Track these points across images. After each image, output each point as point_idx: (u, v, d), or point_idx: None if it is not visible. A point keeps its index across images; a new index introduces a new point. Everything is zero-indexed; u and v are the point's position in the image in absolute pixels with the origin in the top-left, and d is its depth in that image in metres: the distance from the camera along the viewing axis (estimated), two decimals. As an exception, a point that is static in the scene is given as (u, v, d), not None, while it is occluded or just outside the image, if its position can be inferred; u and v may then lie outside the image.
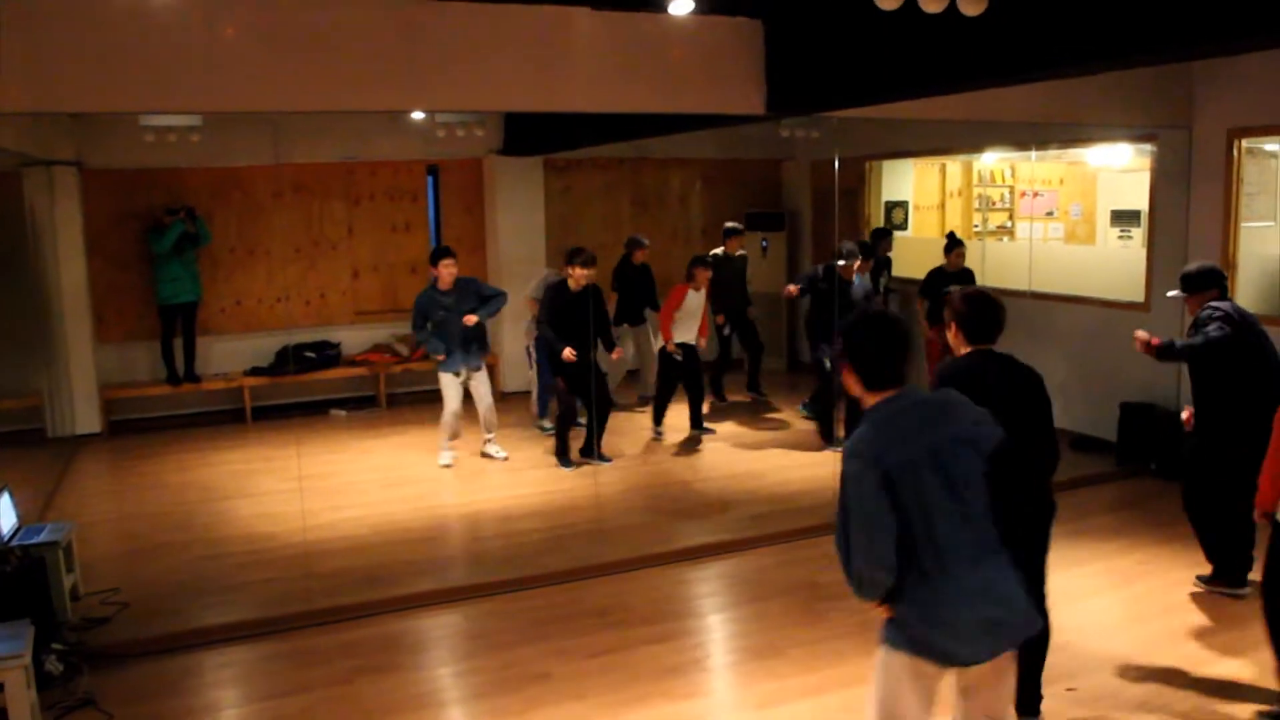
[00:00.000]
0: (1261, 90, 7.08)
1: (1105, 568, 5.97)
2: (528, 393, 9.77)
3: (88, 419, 9.43)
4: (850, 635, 5.14)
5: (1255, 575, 5.41)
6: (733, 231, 9.96)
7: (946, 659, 2.96)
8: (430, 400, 10.33)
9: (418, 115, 9.18)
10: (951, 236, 9.26)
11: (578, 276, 7.80)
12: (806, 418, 9.46)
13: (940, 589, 2.89)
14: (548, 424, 9.04)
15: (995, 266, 9.26)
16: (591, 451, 8.24)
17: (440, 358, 8.01)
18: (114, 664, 4.97)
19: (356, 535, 6.75)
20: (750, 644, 5.18)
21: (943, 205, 11.60)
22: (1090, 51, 4.17)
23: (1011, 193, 11.48)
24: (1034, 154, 9.83)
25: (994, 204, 11.55)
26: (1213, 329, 5.17)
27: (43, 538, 5.39)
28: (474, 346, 8.04)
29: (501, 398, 8.71)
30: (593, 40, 5.70)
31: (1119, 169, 9.97)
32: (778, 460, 8.39)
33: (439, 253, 8.04)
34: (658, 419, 9.06)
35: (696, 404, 9.16)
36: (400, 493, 7.67)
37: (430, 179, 10.93)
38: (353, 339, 10.62)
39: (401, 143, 10.30)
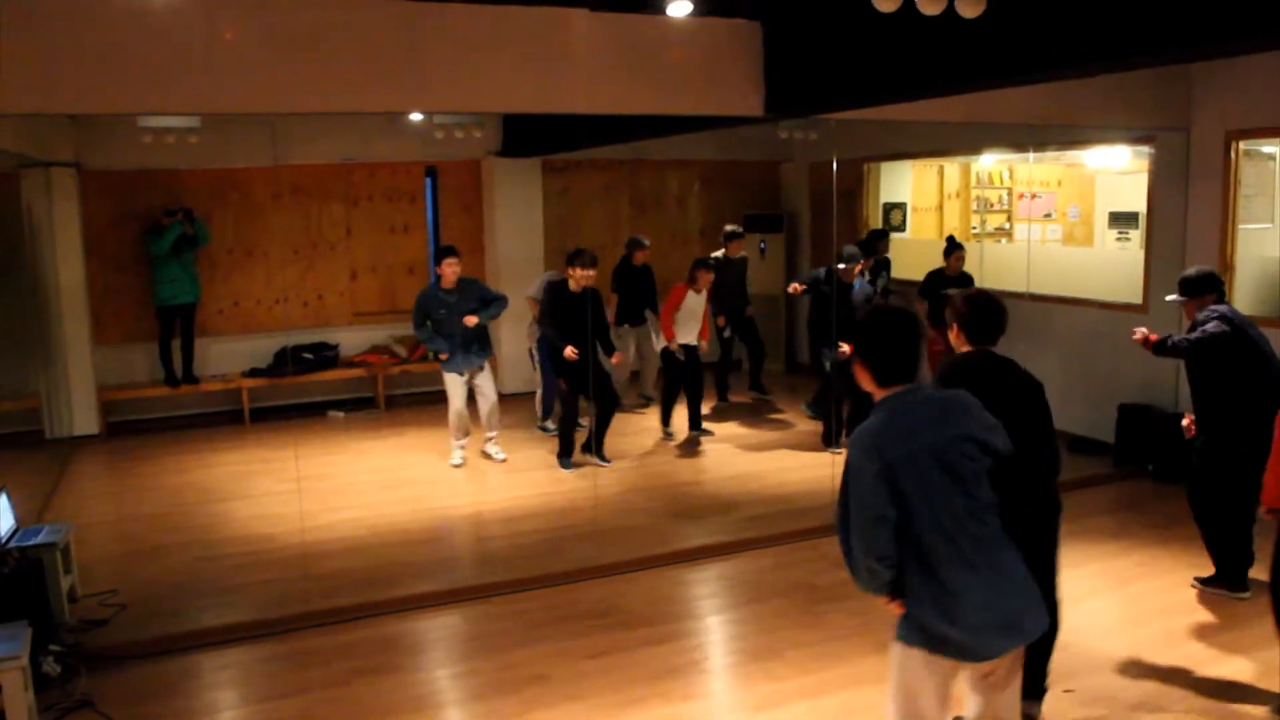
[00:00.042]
0: (1259, 92, 7.09)
1: (1103, 569, 5.97)
2: (527, 394, 9.77)
3: (86, 420, 9.43)
4: (849, 637, 5.15)
5: (1255, 574, 5.44)
6: (734, 235, 9.96)
7: (962, 654, 2.97)
8: (428, 401, 10.39)
9: (416, 117, 9.19)
10: (951, 240, 9.27)
11: (578, 277, 7.81)
12: (812, 417, 9.46)
13: (953, 585, 2.91)
14: (550, 425, 9.04)
15: (993, 268, 9.26)
16: (594, 448, 8.26)
17: (444, 356, 8.02)
18: (112, 665, 4.97)
19: (355, 536, 6.75)
20: (748, 646, 5.18)
21: (941, 207, 11.61)
22: (1088, 53, 4.18)
23: (1010, 194, 11.50)
24: (1032, 156, 9.84)
25: (992, 206, 11.56)
26: (1210, 326, 5.22)
27: (40, 539, 5.38)
28: (475, 347, 8.05)
29: (500, 399, 8.70)
30: (591, 42, 5.70)
31: (1117, 171, 9.98)
32: (777, 461, 8.40)
33: (442, 251, 8.06)
34: (665, 420, 9.07)
35: (695, 405, 9.17)
36: (399, 494, 7.66)
37: (429, 180, 10.93)
38: (351, 340, 10.62)
39: (400, 144, 10.30)
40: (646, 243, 9.56)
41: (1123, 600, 5.59)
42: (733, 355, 10.50)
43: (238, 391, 10.01)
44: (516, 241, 10.79)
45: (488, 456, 8.46)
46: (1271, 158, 7.97)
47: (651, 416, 9.49)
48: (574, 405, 8.13)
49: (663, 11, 5.30)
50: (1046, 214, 11.16)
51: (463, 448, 8.32)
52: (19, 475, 7.28)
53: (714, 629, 5.54)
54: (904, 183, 11.36)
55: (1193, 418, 5.45)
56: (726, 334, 10.11)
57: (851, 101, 5.73)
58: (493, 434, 8.45)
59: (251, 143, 9.39)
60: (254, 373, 10.10)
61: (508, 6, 5.49)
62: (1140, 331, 5.55)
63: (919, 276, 9.50)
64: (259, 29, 5.08)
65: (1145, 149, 8.16)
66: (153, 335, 9.66)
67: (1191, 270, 5.57)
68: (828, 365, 8.36)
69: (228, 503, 7.57)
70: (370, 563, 6.29)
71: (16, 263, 8.90)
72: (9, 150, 7.63)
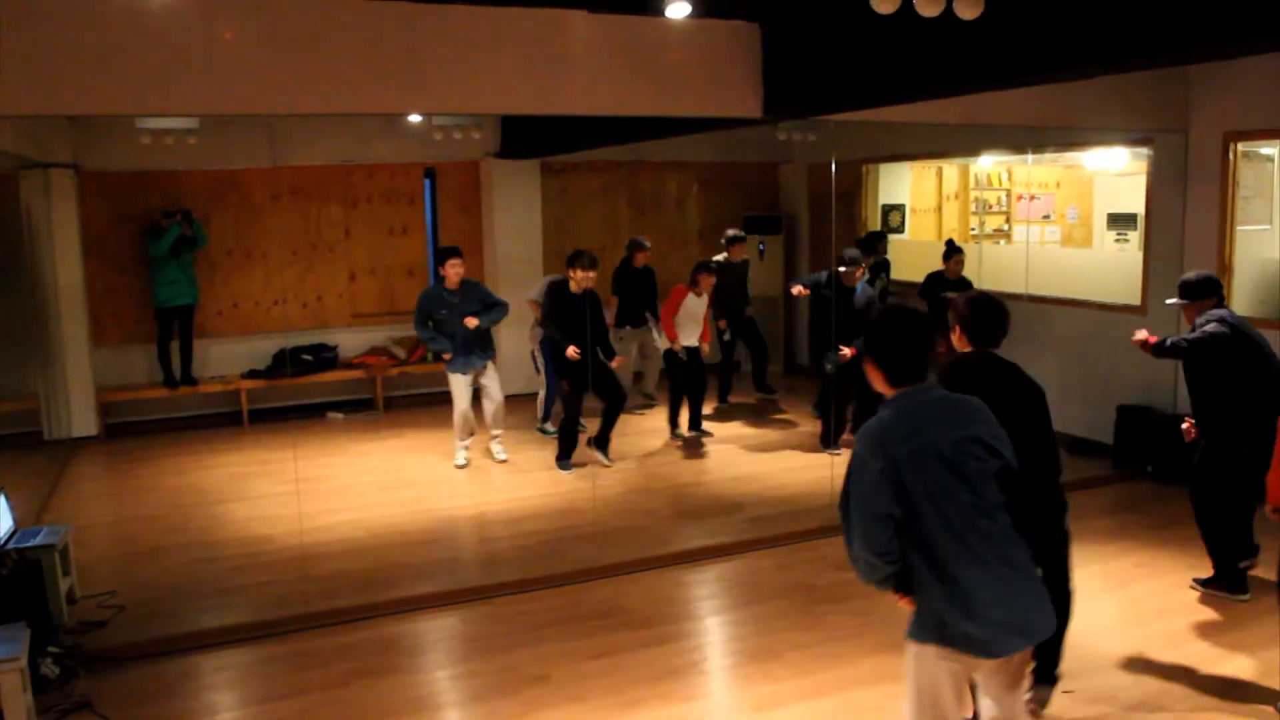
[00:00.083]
0: (1257, 94, 7.10)
1: (1103, 570, 5.97)
2: (527, 395, 9.76)
3: (84, 422, 9.42)
4: (848, 638, 5.15)
5: (1260, 574, 5.45)
6: (736, 239, 9.95)
7: (977, 649, 2.98)
8: (426, 403, 10.40)
9: (415, 118, 9.19)
10: (950, 244, 9.27)
11: (579, 279, 7.83)
12: (818, 418, 9.46)
13: (965, 581, 2.92)
14: (550, 427, 9.04)
15: (992, 269, 9.27)
16: (599, 444, 8.31)
17: (448, 356, 8.04)
18: (110, 667, 4.96)
19: (353, 538, 6.75)
20: (748, 647, 5.18)
21: (939, 208, 11.61)
22: (1086, 55, 4.19)
23: (1008, 196, 11.51)
24: (1030, 157, 9.84)
25: (991, 207, 11.57)
26: (1210, 327, 5.24)
27: (39, 540, 5.37)
28: (476, 349, 8.06)
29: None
30: (590, 43, 5.71)
31: (1115, 172, 9.99)
32: (778, 463, 8.40)
33: (446, 252, 8.07)
34: (673, 422, 9.07)
35: (697, 405, 9.17)
36: (398, 495, 7.66)
37: (428, 182, 10.93)
38: (350, 342, 10.61)
39: (399, 145, 10.30)
40: (648, 244, 9.54)
41: (1122, 601, 5.59)
42: (734, 357, 10.50)
43: (236, 393, 10.00)
44: (515, 243, 10.79)
45: (490, 455, 8.46)
46: (1270, 159, 7.97)
47: (652, 418, 9.49)
48: (576, 407, 8.13)
49: (661, 13, 5.30)
50: (1045, 215, 11.17)
51: (467, 449, 8.33)
52: (17, 476, 7.26)
53: (714, 630, 5.54)
54: (902, 184, 11.37)
55: (1192, 421, 5.46)
56: (727, 336, 10.11)
57: (850, 103, 5.74)
58: (497, 433, 8.46)
59: (250, 144, 9.39)
60: (253, 374, 10.10)
61: (506, 8, 5.49)
62: (1140, 333, 5.56)
63: (918, 278, 9.50)
64: (258, 30, 5.08)
65: (1144, 151, 8.17)
66: (151, 337, 9.66)
67: (1191, 274, 5.59)
68: (828, 368, 8.36)
69: (226, 504, 7.56)
70: (369, 564, 6.29)
71: (15, 264, 8.90)
72: (8, 151, 7.63)
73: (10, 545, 5.19)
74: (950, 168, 11.43)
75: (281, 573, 6.14)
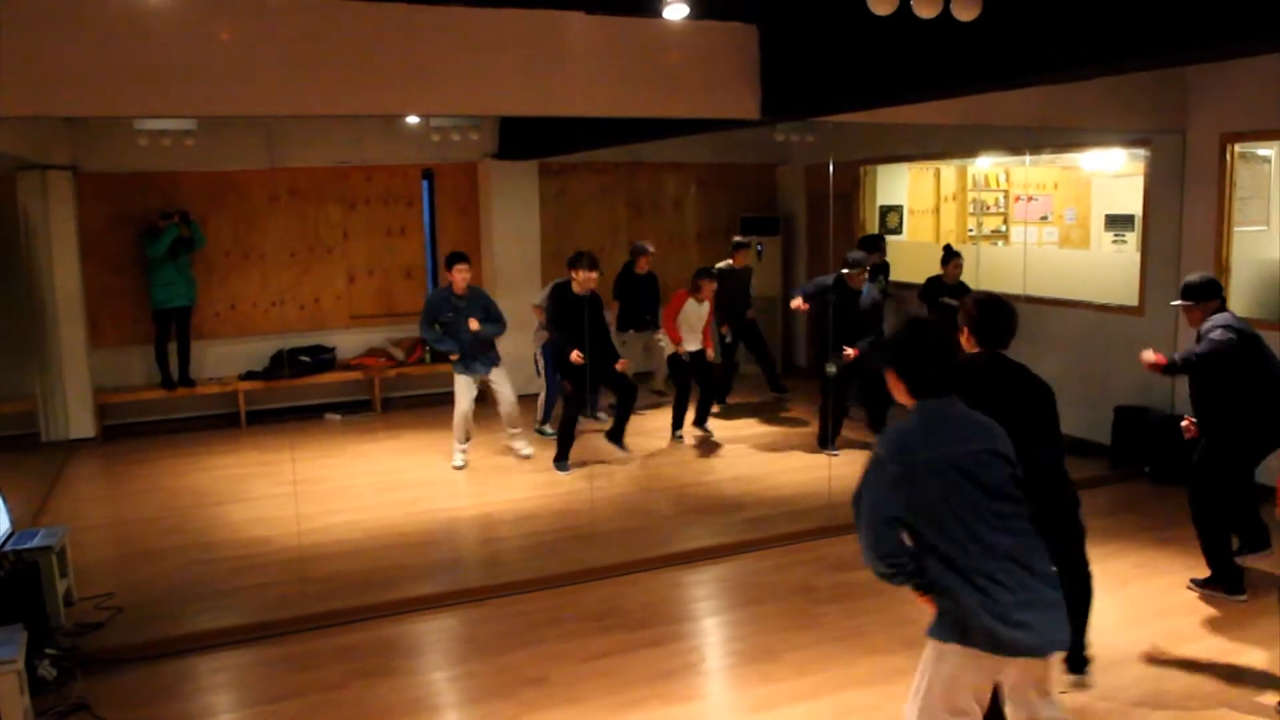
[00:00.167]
0: (1254, 95, 7.10)
1: (1100, 570, 5.90)
2: (527, 396, 9.75)
3: (82, 423, 9.41)
4: (845, 639, 5.15)
5: (1265, 565, 5.47)
6: (741, 245, 9.93)
7: (1002, 649, 3.00)
8: (425, 404, 10.40)
9: (413, 119, 9.19)
10: (948, 249, 9.27)
11: (581, 280, 7.85)
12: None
13: (987, 587, 2.96)
14: (549, 429, 9.04)
15: (990, 271, 9.27)
16: (618, 439, 8.41)
17: (454, 357, 8.06)
18: (108, 669, 4.96)
19: (351, 540, 6.74)
20: (745, 648, 5.18)
21: (937, 210, 11.61)
22: (1084, 56, 4.19)
23: (1006, 197, 11.50)
24: (1028, 158, 9.85)
25: (988, 208, 11.57)
26: (1216, 334, 5.24)
27: (36, 542, 5.37)
28: (481, 355, 8.08)
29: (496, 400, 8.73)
30: (588, 44, 5.71)
31: (1113, 174, 9.99)
32: (776, 464, 8.40)
33: (453, 257, 8.10)
34: (677, 424, 9.07)
35: (706, 403, 9.22)
36: (395, 497, 7.66)
37: (425, 183, 10.93)
38: (348, 343, 10.61)
39: (396, 147, 10.30)
40: (650, 249, 9.46)
41: (1121, 601, 5.59)
42: (735, 361, 10.49)
43: (234, 394, 10.00)
44: (513, 244, 10.78)
45: (513, 451, 8.49)
46: (1267, 160, 7.98)
47: (653, 419, 9.47)
48: (576, 408, 8.13)
49: (659, 14, 5.30)
50: (1043, 216, 11.17)
51: (464, 451, 8.33)
52: (15, 478, 7.26)
53: (712, 631, 5.54)
54: (900, 185, 11.37)
55: (1192, 420, 5.47)
56: (728, 339, 10.10)
57: (848, 104, 5.74)
58: (515, 430, 8.51)
59: (248, 145, 9.40)
60: (250, 375, 10.09)
61: (504, 9, 5.49)
62: (1148, 355, 5.51)
63: (916, 279, 9.49)
64: (255, 31, 5.08)
65: (1141, 152, 8.18)
66: (149, 338, 9.65)
67: (1195, 276, 5.59)
68: (830, 369, 8.36)
69: (224, 506, 7.56)
70: (367, 565, 6.29)
71: (12, 265, 8.90)
72: (5, 153, 7.62)
73: (7, 547, 5.18)
74: (948, 169, 11.43)
75: (279, 574, 6.14)
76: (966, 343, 4.08)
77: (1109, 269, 9.07)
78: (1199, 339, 5.39)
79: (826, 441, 8.47)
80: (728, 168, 11.89)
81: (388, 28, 5.32)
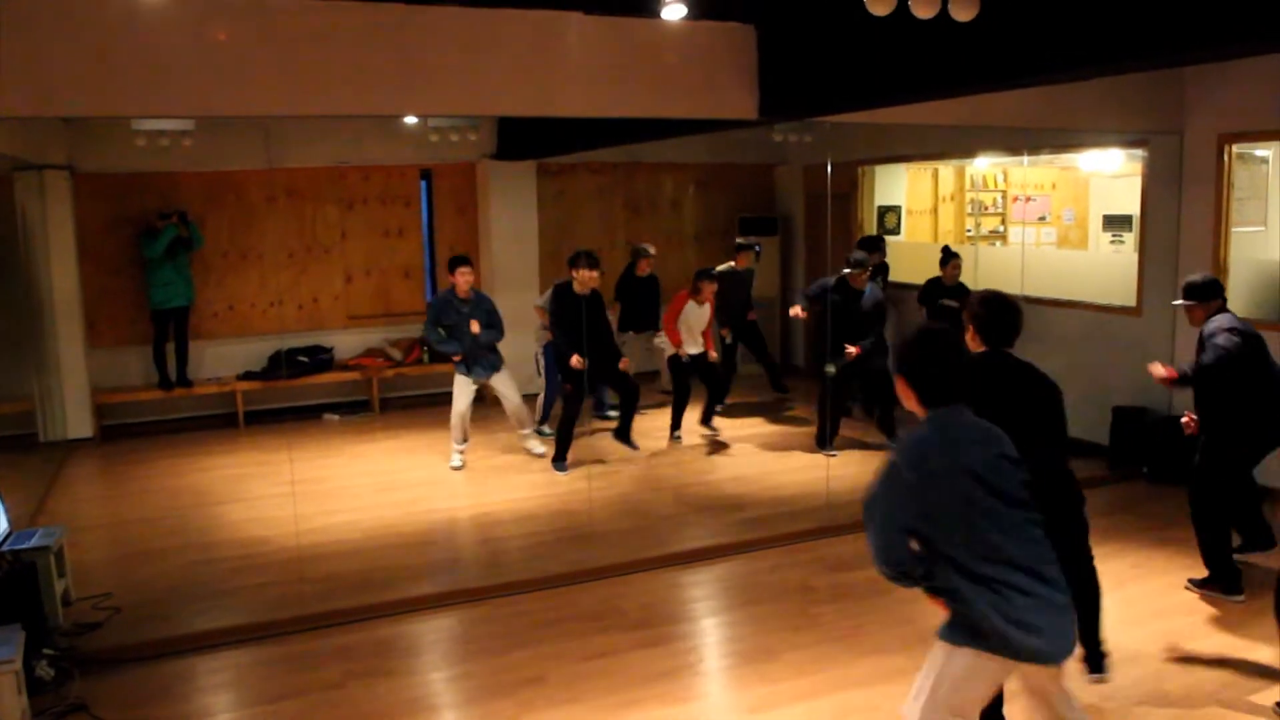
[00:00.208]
0: (1252, 95, 7.11)
1: (1099, 571, 5.96)
2: (527, 397, 9.75)
3: (79, 424, 9.40)
4: (844, 639, 5.16)
5: (1270, 563, 5.48)
6: (743, 246, 9.94)
7: (1017, 656, 3.03)
8: (423, 404, 10.40)
9: (411, 120, 9.19)
10: (946, 250, 9.27)
11: (583, 279, 7.87)
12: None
13: (1001, 592, 2.97)
14: (547, 430, 9.04)
15: (988, 271, 9.27)
16: (626, 437, 8.49)
17: (458, 358, 8.08)
18: (106, 669, 4.95)
19: (350, 540, 6.74)
20: (744, 648, 5.18)
21: (935, 210, 11.62)
22: (1082, 57, 4.19)
23: (1004, 198, 11.51)
24: (1026, 159, 9.86)
25: (986, 209, 11.58)
26: (1221, 339, 5.23)
27: (34, 543, 5.37)
28: (481, 357, 8.08)
29: (494, 401, 8.73)
30: (586, 45, 5.72)
31: (1111, 174, 10.00)
32: (774, 464, 8.41)
33: (456, 261, 8.10)
34: (675, 424, 9.08)
35: (711, 402, 9.25)
36: (393, 497, 7.66)
37: (423, 183, 10.93)
38: (346, 343, 10.60)
39: (394, 147, 10.29)
40: (652, 251, 9.46)
41: (1119, 602, 5.59)
42: (735, 362, 10.49)
43: (232, 395, 9.99)
44: (511, 244, 10.78)
45: (528, 451, 8.50)
46: (1264, 161, 7.99)
47: (653, 419, 9.46)
48: (575, 408, 8.13)
49: (657, 15, 5.30)
50: (1041, 217, 11.17)
51: (461, 452, 8.33)
52: (13, 478, 7.27)
53: (710, 631, 5.54)
54: (898, 186, 11.38)
55: (1193, 415, 5.47)
56: (728, 340, 10.10)
57: (846, 104, 5.74)
58: (526, 430, 8.54)
59: (246, 146, 9.37)
60: (248, 376, 10.09)
61: (502, 9, 5.49)
62: (1158, 369, 5.49)
63: (914, 279, 9.49)
64: (253, 32, 5.08)
65: (1139, 152, 8.19)
66: (147, 338, 9.64)
67: (1197, 276, 5.60)
68: (830, 370, 8.37)
69: (222, 506, 7.55)
70: (365, 565, 6.28)
71: (10, 266, 8.89)
72: (3, 153, 7.62)
73: (5, 547, 5.17)
74: (946, 169, 11.44)
75: (277, 574, 6.14)
76: (972, 341, 4.07)
77: (1107, 269, 9.08)
78: (1201, 340, 5.39)
79: (825, 442, 8.48)
80: (726, 168, 11.89)
81: (386, 28, 5.32)
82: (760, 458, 8.62)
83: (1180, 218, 7.76)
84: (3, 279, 8.84)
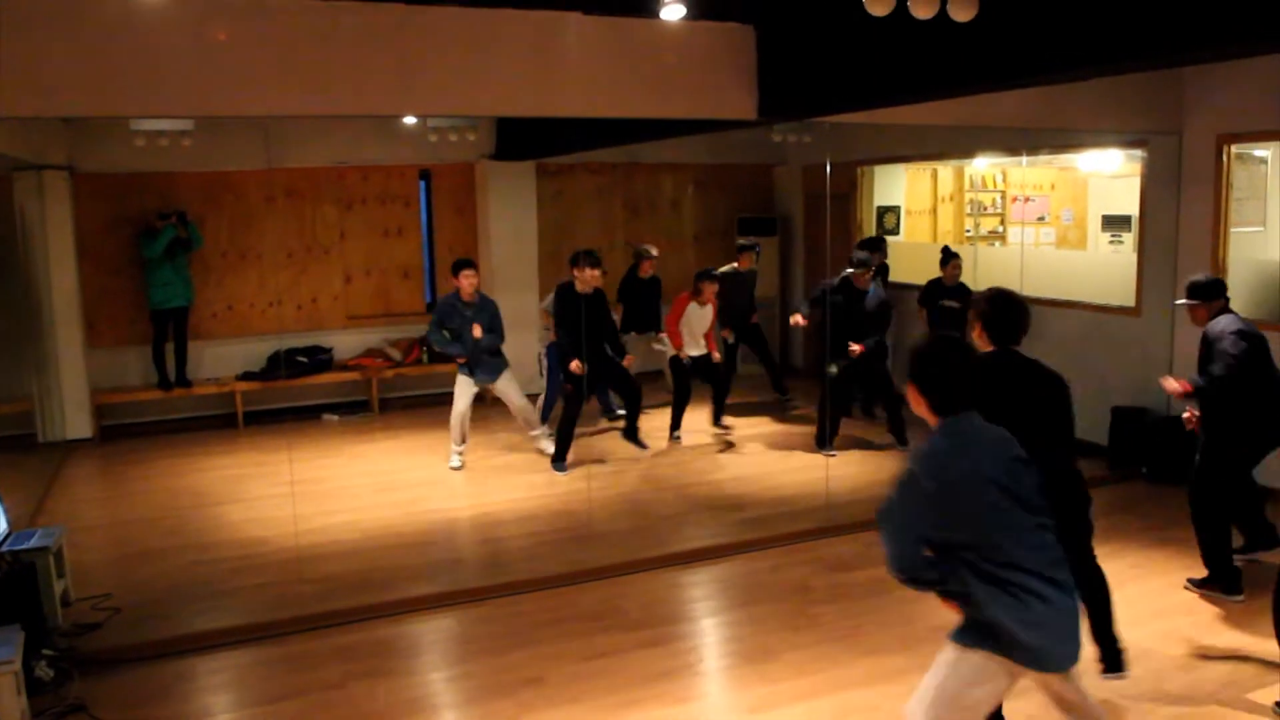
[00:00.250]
0: (1251, 96, 7.12)
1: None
2: (528, 397, 9.76)
3: (79, 424, 9.40)
4: (843, 639, 5.16)
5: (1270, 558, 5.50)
6: (745, 248, 9.95)
7: (1031, 662, 3.05)
8: (422, 405, 10.39)
9: (410, 120, 9.19)
10: (946, 250, 9.28)
11: (586, 278, 7.88)
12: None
13: (1018, 597, 2.98)
14: (547, 430, 9.04)
15: (987, 271, 9.27)
16: (634, 437, 8.58)
17: (462, 360, 8.08)
18: (105, 669, 4.95)
19: (349, 540, 6.74)
20: (743, 648, 5.18)
21: (934, 210, 11.63)
22: (1080, 57, 4.20)
23: (1003, 198, 11.52)
24: (1025, 159, 9.86)
25: (985, 209, 11.58)
26: (1229, 345, 5.22)
27: (33, 543, 5.37)
28: (486, 362, 8.08)
29: (493, 402, 8.73)
30: (585, 45, 5.72)
31: (1110, 174, 10.01)
32: (774, 464, 8.41)
33: (459, 264, 8.10)
34: (675, 425, 9.08)
35: (719, 401, 9.28)
36: (393, 497, 7.66)
37: (422, 184, 10.93)
38: (345, 344, 10.60)
39: (394, 147, 10.30)
40: (654, 253, 9.48)
41: (1119, 602, 5.53)
42: (737, 364, 10.49)
43: (231, 395, 9.99)
44: (510, 245, 10.78)
45: (542, 452, 8.49)
46: (1263, 161, 8.00)
47: (653, 419, 9.47)
48: (575, 409, 8.14)
49: (656, 15, 5.30)
50: (1040, 217, 11.18)
51: (460, 453, 8.33)
52: (12, 479, 7.27)
53: (710, 631, 5.54)
54: (897, 186, 11.38)
55: (1195, 412, 5.46)
56: (730, 341, 10.10)
57: (845, 105, 5.75)
58: (536, 431, 8.55)
59: (245, 146, 9.37)
60: (248, 376, 10.09)
61: (501, 9, 5.49)
62: (1172, 384, 5.41)
63: (913, 279, 9.49)
64: (252, 32, 5.08)
65: (1138, 152, 8.19)
66: (146, 339, 9.64)
67: (1201, 275, 5.61)
68: (832, 370, 8.38)
69: (221, 506, 7.55)
70: (364, 566, 6.28)
71: (9, 266, 8.88)
72: (2, 153, 7.61)
73: (5, 547, 5.17)
74: (945, 169, 11.45)
75: (277, 575, 6.14)
76: (979, 340, 4.06)
77: (1106, 269, 9.08)
78: (1204, 339, 5.38)
79: (825, 442, 8.48)
80: (725, 168, 11.90)
81: (385, 28, 5.32)
82: (760, 458, 8.63)
83: (1179, 218, 7.77)
84: (2, 279, 8.83)
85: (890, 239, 10.93)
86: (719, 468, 8.39)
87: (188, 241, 9.53)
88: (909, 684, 4.56)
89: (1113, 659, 4.56)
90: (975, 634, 3.08)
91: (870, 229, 11.09)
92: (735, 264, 9.83)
